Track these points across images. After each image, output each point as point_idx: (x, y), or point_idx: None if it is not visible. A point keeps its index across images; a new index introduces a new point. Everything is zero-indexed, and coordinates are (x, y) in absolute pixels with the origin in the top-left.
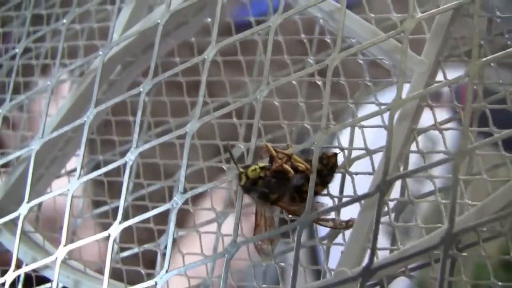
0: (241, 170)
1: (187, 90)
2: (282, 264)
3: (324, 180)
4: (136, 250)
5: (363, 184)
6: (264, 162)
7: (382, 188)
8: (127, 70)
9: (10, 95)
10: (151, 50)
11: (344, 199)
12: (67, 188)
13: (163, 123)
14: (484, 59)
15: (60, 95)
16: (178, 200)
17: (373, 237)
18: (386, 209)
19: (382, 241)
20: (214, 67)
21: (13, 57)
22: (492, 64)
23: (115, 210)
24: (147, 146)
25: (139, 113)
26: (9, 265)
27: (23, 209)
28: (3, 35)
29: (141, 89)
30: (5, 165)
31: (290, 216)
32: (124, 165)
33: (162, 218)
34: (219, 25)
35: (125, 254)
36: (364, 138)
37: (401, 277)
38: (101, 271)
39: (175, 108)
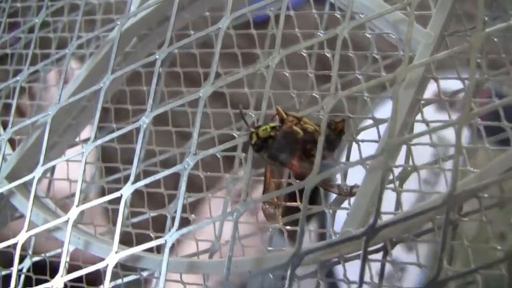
0: (252, 129)
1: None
2: (288, 227)
3: (331, 145)
4: (146, 215)
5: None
6: (275, 123)
7: (387, 149)
8: (143, 43)
9: (28, 66)
10: (166, 24)
11: None
12: (81, 151)
13: (177, 94)
14: (488, 29)
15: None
16: (190, 161)
17: (378, 198)
18: (391, 177)
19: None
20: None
21: (31, 30)
22: (495, 39)
23: (127, 178)
24: (161, 109)
25: (154, 79)
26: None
27: (38, 172)
28: (22, 11)
29: (157, 57)
30: (20, 134)
31: (297, 181)
32: (138, 131)
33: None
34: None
35: (136, 220)
36: (371, 107)
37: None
38: (111, 238)
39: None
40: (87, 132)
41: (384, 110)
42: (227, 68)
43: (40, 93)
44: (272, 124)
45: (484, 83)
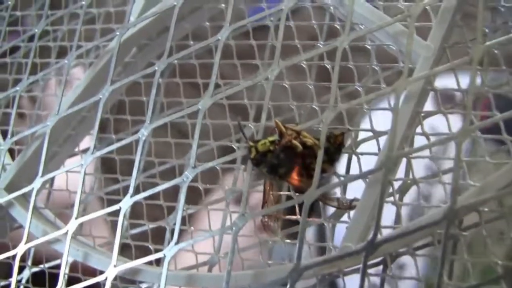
0: (251, 144)
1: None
2: (288, 241)
3: (331, 158)
4: (145, 227)
5: (370, 167)
6: (274, 137)
7: (386, 164)
8: (142, 53)
9: (27, 75)
10: (166, 34)
11: None
12: (80, 163)
13: (176, 105)
14: (488, 43)
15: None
16: (188, 174)
17: (378, 212)
18: (391, 190)
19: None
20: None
21: (31, 39)
22: (496, 51)
23: (126, 189)
24: (160, 122)
25: (153, 91)
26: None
27: (37, 183)
28: (21, 20)
29: (156, 68)
30: (18, 144)
31: (297, 194)
32: (137, 142)
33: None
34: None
35: (135, 231)
36: (370, 119)
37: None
38: (110, 249)
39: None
40: (87, 142)
41: (384, 117)
42: (229, 74)
43: (39, 102)
44: (271, 139)
45: (485, 95)
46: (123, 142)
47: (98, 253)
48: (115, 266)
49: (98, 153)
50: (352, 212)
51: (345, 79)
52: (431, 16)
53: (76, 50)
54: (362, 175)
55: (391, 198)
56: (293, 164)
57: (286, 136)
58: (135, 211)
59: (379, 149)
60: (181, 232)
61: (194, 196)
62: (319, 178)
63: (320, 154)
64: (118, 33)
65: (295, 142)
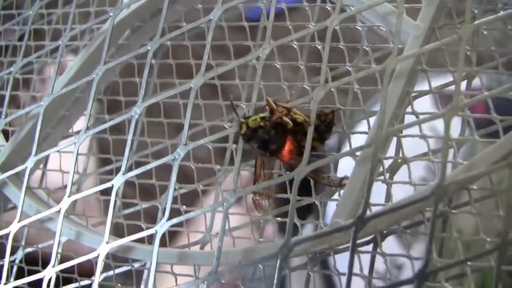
0: (242, 120)
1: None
2: (278, 218)
3: (321, 136)
4: (138, 207)
5: None
6: (264, 114)
7: (376, 140)
8: (136, 35)
9: (21, 57)
10: (159, 16)
11: None
12: (73, 142)
13: (169, 86)
14: (477, 22)
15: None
16: (180, 151)
17: (367, 189)
18: (381, 169)
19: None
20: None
21: (25, 22)
22: (485, 32)
23: (120, 170)
24: (152, 100)
25: (146, 71)
26: None
27: (30, 162)
28: (16, 4)
29: (149, 48)
30: (15, 125)
31: (287, 171)
32: (130, 121)
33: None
34: None
35: (128, 211)
36: (361, 99)
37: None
38: (103, 230)
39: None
40: (81, 123)
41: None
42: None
43: (34, 85)
44: (262, 115)
45: (474, 76)
46: (116, 121)
47: (91, 232)
48: (107, 242)
49: (91, 132)
50: (342, 190)
51: (337, 62)
52: None
53: (70, 31)
54: (352, 151)
55: (381, 177)
56: (284, 140)
57: (277, 112)
58: (130, 198)
59: (369, 128)
60: (177, 215)
61: (192, 198)
62: (309, 155)
63: (310, 131)
64: (111, 14)
65: (286, 118)
